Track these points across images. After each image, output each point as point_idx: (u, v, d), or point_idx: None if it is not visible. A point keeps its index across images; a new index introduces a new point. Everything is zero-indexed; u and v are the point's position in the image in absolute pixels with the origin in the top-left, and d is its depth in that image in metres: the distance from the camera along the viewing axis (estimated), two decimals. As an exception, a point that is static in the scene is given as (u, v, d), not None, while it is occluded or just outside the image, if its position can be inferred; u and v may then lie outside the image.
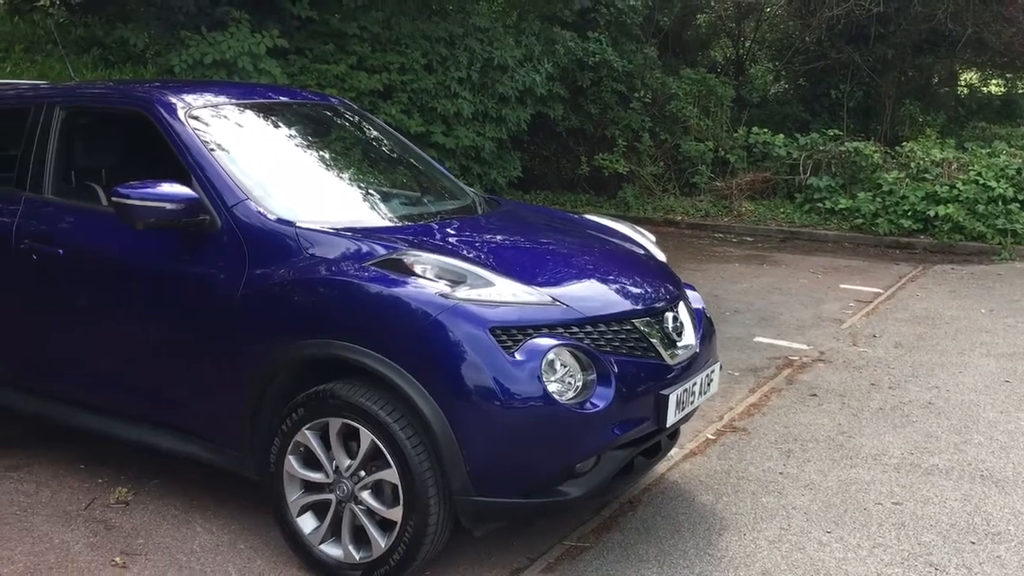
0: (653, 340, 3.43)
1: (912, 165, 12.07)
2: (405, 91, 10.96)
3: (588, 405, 3.14)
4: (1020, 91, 17.65)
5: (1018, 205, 11.14)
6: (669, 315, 3.57)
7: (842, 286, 8.89)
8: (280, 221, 3.49)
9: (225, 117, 4.00)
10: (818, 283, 9.05)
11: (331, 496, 3.31)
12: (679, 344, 3.55)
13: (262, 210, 3.53)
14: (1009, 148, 12.56)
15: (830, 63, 15.69)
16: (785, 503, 4.01)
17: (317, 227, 3.48)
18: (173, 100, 3.87)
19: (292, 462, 3.36)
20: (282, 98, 4.68)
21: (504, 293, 3.20)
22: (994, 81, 18.31)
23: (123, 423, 3.80)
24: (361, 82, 10.34)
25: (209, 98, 4.07)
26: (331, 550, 3.34)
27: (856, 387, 5.66)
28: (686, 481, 4.24)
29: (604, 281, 3.60)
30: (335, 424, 3.25)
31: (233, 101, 4.17)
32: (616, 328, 3.34)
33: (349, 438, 3.27)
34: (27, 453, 4.38)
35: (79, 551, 3.53)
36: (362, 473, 3.24)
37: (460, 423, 3.05)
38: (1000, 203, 11.22)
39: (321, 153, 4.35)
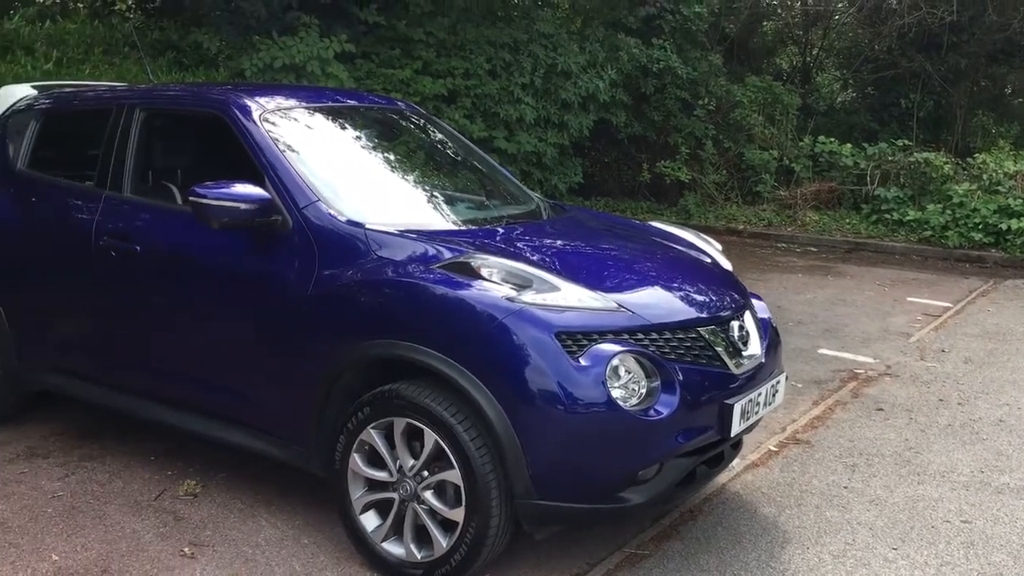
0: (718, 349, 3.40)
1: (984, 177, 11.81)
2: (469, 96, 11.05)
3: (652, 412, 3.13)
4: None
5: (1095, 219, 10.83)
6: (735, 324, 3.55)
7: (909, 299, 8.72)
8: (350, 223, 3.55)
9: (296, 120, 4.08)
10: (884, 296, 8.89)
11: (394, 495, 3.35)
12: (744, 353, 3.52)
13: (332, 212, 3.58)
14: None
15: (900, 72, 15.42)
16: (850, 518, 3.94)
17: (385, 229, 3.53)
18: (248, 103, 3.95)
19: (357, 460, 3.41)
20: (350, 102, 4.75)
21: (570, 298, 3.21)
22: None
23: (194, 417, 3.89)
24: (426, 87, 10.45)
25: (281, 101, 4.14)
26: (393, 548, 3.38)
27: (924, 402, 5.55)
28: (748, 492, 4.19)
29: (669, 288, 3.58)
30: (400, 424, 3.28)
31: (303, 104, 4.25)
32: (681, 336, 3.33)
33: (413, 438, 3.31)
34: (100, 444, 4.50)
35: (149, 540, 3.62)
36: (425, 473, 3.27)
37: (523, 426, 3.06)
38: (1076, 217, 10.92)
39: (388, 156, 4.40)
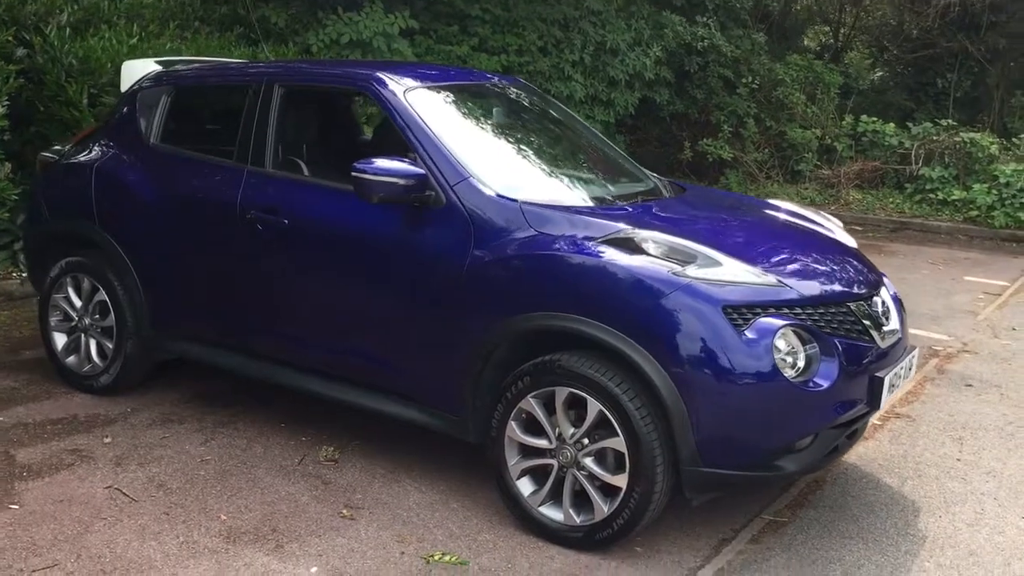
0: (866, 323, 3.53)
1: (1031, 158, 11.88)
2: (522, 73, 11.09)
3: (813, 384, 3.26)
4: None
5: None
6: (877, 299, 3.67)
7: (966, 278, 8.84)
8: (503, 198, 3.66)
9: (434, 98, 4.17)
10: (941, 274, 9.00)
11: (552, 461, 3.48)
12: (886, 328, 3.64)
13: (484, 187, 3.69)
14: None
15: (938, 52, 15.43)
16: (971, 489, 4.08)
17: (539, 204, 3.65)
18: (393, 80, 4.05)
19: (514, 427, 3.54)
20: (475, 79, 4.81)
21: (732, 273, 3.33)
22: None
23: (341, 385, 4.01)
24: (482, 63, 10.51)
25: (418, 79, 4.22)
26: (551, 512, 3.51)
27: (1010, 379, 5.67)
28: (865, 464, 4.32)
29: (818, 264, 3.70)
30: (561, 393, 3.41)
31: (437, 83, 4.33)
32: (834, 310, 3.45)
33: (572, 406, 3.44)
34: (229, 411, 4.64)
35: (306, 503, 3.77)
36: (585, 441, 3.40)
37: (691, 397, 3.19)
38: (1124, 198, 11.01)
39: (519, 133, 4.50)
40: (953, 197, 12.05)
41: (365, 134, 5.48)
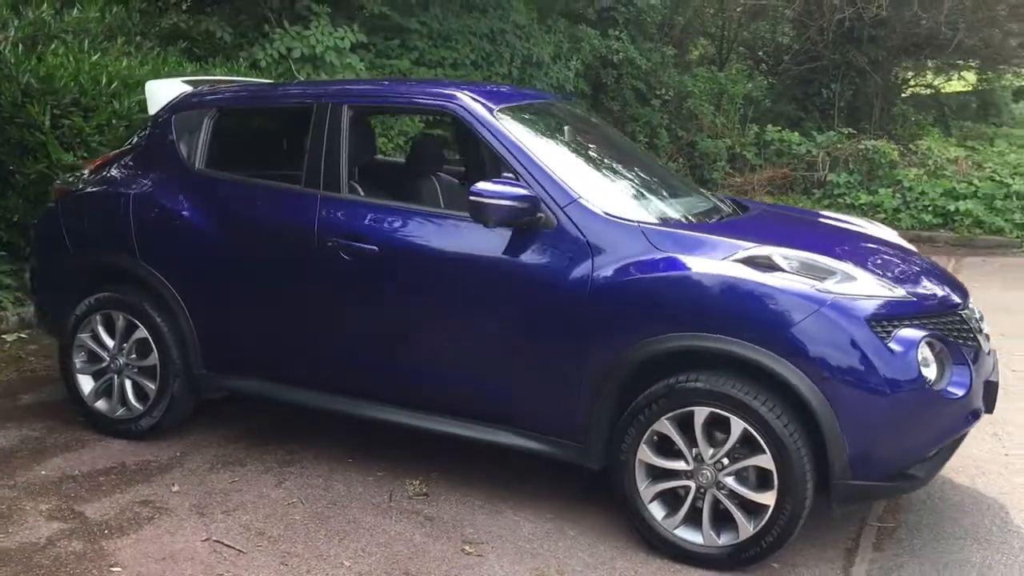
0: (975, 330, 3.67)
1: (929, 162, 12.69)
2: (456, 87, 11.01)
3: (950, 392, 3.37)
4: (999, 90, 18.61)
5: (1035, 201, 11.84)
6: (973, 307, 3.83)
7: (901, 279, 9.31)
8: (619, 219, 3.61)
9: (517, 118, 4.05)
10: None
11: (690, 483, 3.45)
12: (983, 333, 3.80)
13: (595, 208, 3.64)
14: (1010, 147, 13.36)
15: (824, 64, 16.27)
16: (1038, 483, 4.31)
17: (658, 223, 3.63)
18: (478, 100, 3.93)
19: (647, 451, 3.49)
20: (533, 99, 4.63)
21: (868, 287, 3.40)
22: (957, 80, 19.14)
23: (442, 417, 3.85)
24: (422, 77, 10.35)
25: (494, 99, 4.07)
26: (688, 535, 3.48)
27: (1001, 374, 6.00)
28: (928, 463, 4.49)
29: (921, 275, 3.84)
30: (701, 413, 3.39)
31: (512, 103, 4.18)
32: (951, 319, 3.58)
33: (709, 426, 3.42)
34: (286, 448, 4.38)
35: (422, 541, 3.59)
36: (725, 460, 3.40)
37: (844, 411, 3.24)
38: (1015, 198, 11.89)
39: (593, 151, 4.44)
40: (860, 201, 12.70)
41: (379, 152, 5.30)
